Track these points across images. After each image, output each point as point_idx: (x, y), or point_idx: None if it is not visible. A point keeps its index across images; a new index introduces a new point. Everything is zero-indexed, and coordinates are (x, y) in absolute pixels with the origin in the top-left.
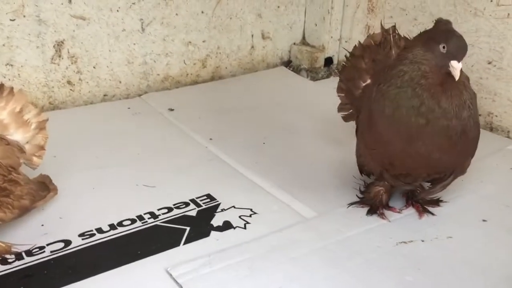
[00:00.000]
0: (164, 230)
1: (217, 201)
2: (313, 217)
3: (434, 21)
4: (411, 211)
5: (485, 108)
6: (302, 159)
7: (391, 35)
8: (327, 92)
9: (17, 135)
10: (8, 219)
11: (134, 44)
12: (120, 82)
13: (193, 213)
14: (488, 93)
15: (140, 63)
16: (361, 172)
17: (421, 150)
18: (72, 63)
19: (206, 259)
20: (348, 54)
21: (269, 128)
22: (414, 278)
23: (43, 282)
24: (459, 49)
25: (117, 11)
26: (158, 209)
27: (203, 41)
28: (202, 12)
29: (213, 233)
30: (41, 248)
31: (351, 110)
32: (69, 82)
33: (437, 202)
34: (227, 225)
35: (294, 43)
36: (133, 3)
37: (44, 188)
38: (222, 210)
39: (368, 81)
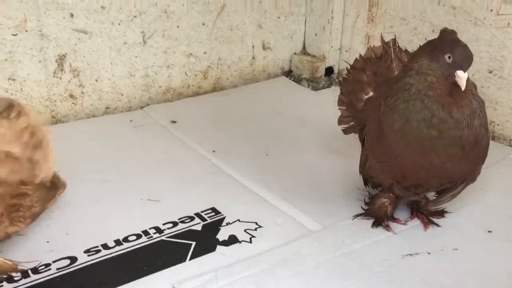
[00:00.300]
0: (169, 245)
1: (222, 215)
2: (318, 229)
3: (440, 31)
4: (416, 222)
5: (487, 117)
6: (305, 170)
7: (392, 48)
8: (328, 101)
9: (18, 149)
10: (21, 230)
11: (136, 56)
12: (122, 94)
13: (199, 227)
14: (489, 102)
15: (142, 75)
16: (366, 183)
17: (435, 162)
18: (74, 77)
19: (213, 275)
20: (348, 67)
21: (271, 139)
22: None
23: None
24: (465, 59)
25: (119, 24)
26: (163, 224)
27: (204, 53)
28: (203, 24)
29: (219, 247)
30: (47, 265)
31: (352, 123)
32: (71, 96)
33: (441, 213)
34: (232, 239)
35: (295, 53)
36: (135, 16)
37: (52, 187)
38: (227, 224)
39: (371, 93)
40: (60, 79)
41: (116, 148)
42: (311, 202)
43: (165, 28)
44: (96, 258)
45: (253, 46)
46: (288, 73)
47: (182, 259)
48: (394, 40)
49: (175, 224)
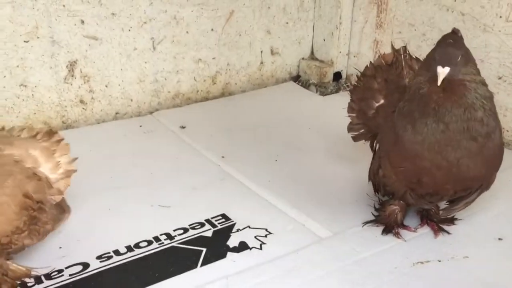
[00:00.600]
0: (180, 251)
1: (232, 221)
2: (328, 236)
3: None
4: (426, 230)
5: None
6: (314, 176)
7: (402, 55)
8: (337, 107)
9: (45, 171)
10: (33, 244)
11: (146, 62)
12: (131, 100)
13: (209, 233)
14: (499, 108)
15: (151, 81)
16: (377, 191)
17: (451, 157)
18: (84, 83)
19: (224, 282)
20: (359, 74)
21: (280, 145)
22: None
23: None
24: (442, 55)
25: (129, 30)
26: (174, 230)
27: (213, 58)
28: (212, 29)
29: (229, 254)
30: (60, 271)
31: (362, 130)
32: (81, 101)
33: (452, 221)
34: (243, 246)
35: (303, 58)
36: (145, 22)
37: (61, 210)
38: (237, 231)
39: (382, 101)
40: (71, 85)
41: (126, 153)
42: (321, 208)
43: (174, 34)
44: (108, 264)
45: (261, 52)
46: (296, 78)
47: (193, 266)
48: (404, 47)
49: (185, 230)
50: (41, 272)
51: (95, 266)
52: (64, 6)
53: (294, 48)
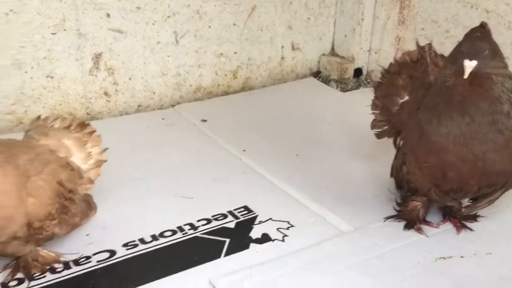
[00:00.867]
0: (204, 241)
1: (254, 213)
2: (350, 231)
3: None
4: (448, 226)
5: None
6: (335, 172)
7: (427, 52)
8: (357, 103)
9: (77, 161)
10: (61, 235)
11: (168, 56)
12: (154, 93)
13: (232, 225)
14: None
15: (173, 74)
16: (399, 188)
17: (476, 150)
18: (109, 75)
19: (248, 272)
20: (383, 71)
21: (301, 140)
22: None
23: None
24: (469, 48)
25: (153, 24)
26: (198, 221)
27: (235, 53)
28: (234, 24)
29: (252, 245)
30: (88, 257)
31: (385, 127)
32: (105, 93)
33: (474, 217)
34: (265, 238)
35: (323, 54)
36: (168, 17)
37: (88, 207)
38: (259, 223)
39: (406, 97)
40: (96, 77)
41: (149, 145)
42: (342, 203)
43: (197, 28)
44: (134, 252)
45: (282, 47)
46: (317, 74)
47: (217, 256)
48: (429, 44)
49: (208, 221)
50: (69, 258)
51: (122, 253)
52: None
53: (315, 43)
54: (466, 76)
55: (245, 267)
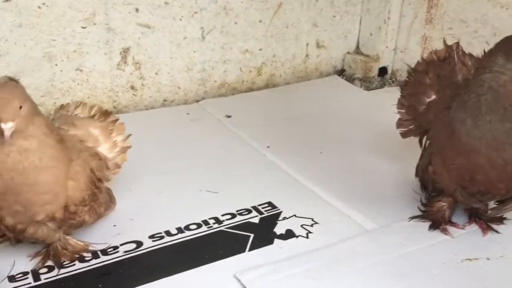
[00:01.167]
0: (229, 235)
1: (279, 209)
2: (374, 229)
3: None
4: (474, 227)
5: None
6: (359, 170)
7: (455, 51)
8: (381, 102)
9: (104, 151)
10: (89, 224)
11: (194, 51)
12: (179, 88)
13: (256, 220)
14: None
15: (199, 70)
16: (424, 188)
17: (507, 155)
18: (136, 69)
19: (272, 267)
20: (410, 70)
21: (324, 137)
22: None
23: (120, 281)
24: None
25: (180, 19)
26: (222, 215)
27: (260, 49)
28: (260, 21)
29: (276, 241)
30: (115, 248)
31: (411, 126)
32: (132, 87)
33: (501, 220)
34: (289, 234)
35: (348, 52)
36: (195, 12)
37: (110, 199)
38: (283, 219)
39: (433, 96)
40: (123, 71)
41: (175, 139)
42: (366, 201)
43: (223, 24)
44: (160, 244)
45: (307, 44)
46: (341, 72)
47: (241, 250)
48: (457, 43)
49: (233, 216)
50: (97, 247)
51: (148, 244)
52: None
53: (340, 41)
54: None
55: (269, 262)
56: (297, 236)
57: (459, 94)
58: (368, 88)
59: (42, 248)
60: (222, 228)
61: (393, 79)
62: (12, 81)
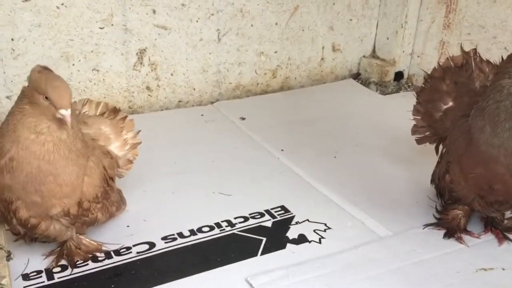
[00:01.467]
0: (241, 239)
1: (291, 214)
2: (388, 236)
3: None
4: (490, 237)
5: None
6: (373, 175)
7: (472, 58)
8: (397, 107)
9: (114, 149)
10: (102, 222)
11: (210, 53)
12: (194, 89)
13: (269, 224)
14: None
15: (214, 71)
16: (441, 196)
17: None
18: (152, 70)
19: (284, 272)
20: (426, 76)
21: (339, 141)
22: None
23: (132, 282)
24: None
25: (197, 21)
26: (235, 218)
27: (275, 52)
28: (276, 23)
29: (289, 245)
30: (128, 248)
31: (427, 133)
32: (148, 88)
33: None
34: (302, 239)
35: (364, 56)
36: (212, 14)
37: (121, 200)
38: (296, 223)
39: (451, 103)
40: (139, 71)
41: (189, 140)
42: (380, 207)
43: (239, 26)
44: (172, 246)
45: (323, 47)
46: (356, 76)
47: (253, 254)
48: (474, 50)
49: (246, 219)
50: (111, 248)
51: (161, 246)
52: None
53: (356, 45)
54: None
55: (281, 266)
56: (309, 241)
57: (477, 101)
58: (383, 93)
59: (56, 247)
60: (234, 231)
61: (409, 84)
62: (47, 70)
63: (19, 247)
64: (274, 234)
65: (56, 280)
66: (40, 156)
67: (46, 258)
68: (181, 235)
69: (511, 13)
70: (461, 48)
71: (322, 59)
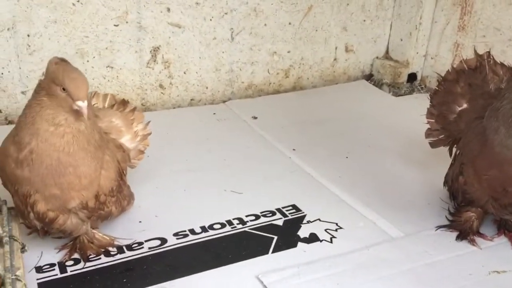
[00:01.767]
0: (252, 236)
1: (303, 213)
2: (400, 237)
3: None
4: (503, 239)
5: None
6: (385, 176)
7: (486, 60)
8: (409, 108)
9: (126, 142)
10: (115, 216)
11: (223, 52)
12: (206, 88)
13: (280, 222)
14: None
15: (226, 70)
16: (454, 198)
17: None
18: (165, 68)
19: (295, 270)
20: (440, 79)
21: (351, 142)
22: None
23: (144, 277)
24: None
25: (210, 20)
26: (246, 216)
27: (288, 52)
28: (290, 23)
29: (300, 244)
30: (140, 244)
31: (441, 136)
32: (161, 86)
33: None
34: (313, 238)
35: (377, 57)
36: (226, 13)
37: (130, 194)
38: (308, 222)
39: (465, 105)
40: (153, 69)
41: (201, 138)
42: (392, 208)
43: (253, 25)
44: (184, 242)
45: (336, 48)
46: (369, 77)
47: (264, 252)
48: (488, 52)
49: (257, 217)
50: (123, 242)
51: (172, 242)
52: None
53: (369, 46)
54: None
55: (292, 265)
56: (321, 240)
57: (492, 103)
58: (396, 94)
59: (68, 241)
60: (245, 229)
61: (423, 86)
62: (64, 61)
63: (33, 240)
64: (285, 232)
65: (68, 273)
66: (60, 148)
67: (59, 251)
68: (192, 231)
69: None
70: (475, 51)
71: (335, 59)
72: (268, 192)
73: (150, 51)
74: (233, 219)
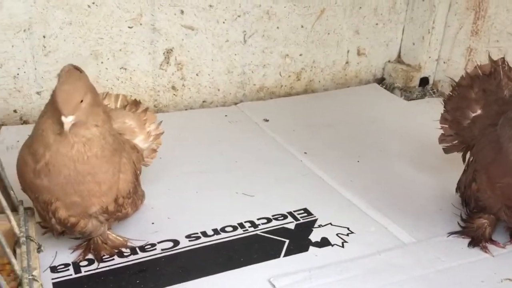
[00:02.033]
0: (264, 240)
1: (314, 217)
2: (412, 242)
3: None
4: None
5: None
6: (397, 180)
7: (501, 66)
8: (421, 113)
9: (139, 142)
10: (129, 216)
11: (235, 54)
12: (218, 90)
13: (291, 226)
14: None
15: (239, 73)
16: (467, 205)
17: None
18: (177, 70)
19: (307, 274)
20: (453, 84)
21: (362, 145)
22: None
23: (156, 278)
24: None
25: (223, 22)
26: (258, 219)
27: (300, 55)
28: (302, 26)
29: (311, 248)
30: (153, 245)
31: (455, 141)
32: (173, 88)
33: None
34: (325, 242)
35: (389, 61)
36: (239, 16)
37: (143, 193)
38: (319, 226)
39: (479, 111)
40: (165, 71)
41: (213, 140)
42: (404, 214)
43: (265, 28)
44: (196, 244)
45: (348, 51)
46: (380, 81)
47: (276, 255)
48: (503, 58)
49: (269, 220)
50: (136, 244)
51: (185, 244)
52: None
53: (381, 50)
54: None
55: (304, 269)
56: (332, 245)
57: (506, 110)
58: (408, 98)
59: (83, 242)
60: (257, 232)
61: (435, 90)
62: (76, 70)
63: (47, 240)
64: (297, 236)
65: (83, 274)
66: (74, 158)
67: (73, 251)
68: (204, 234)
69: None
70: (489, 56)
71: (347, 63)
72: (280, 194)
73: (163, 53)
74: (245, 222)
